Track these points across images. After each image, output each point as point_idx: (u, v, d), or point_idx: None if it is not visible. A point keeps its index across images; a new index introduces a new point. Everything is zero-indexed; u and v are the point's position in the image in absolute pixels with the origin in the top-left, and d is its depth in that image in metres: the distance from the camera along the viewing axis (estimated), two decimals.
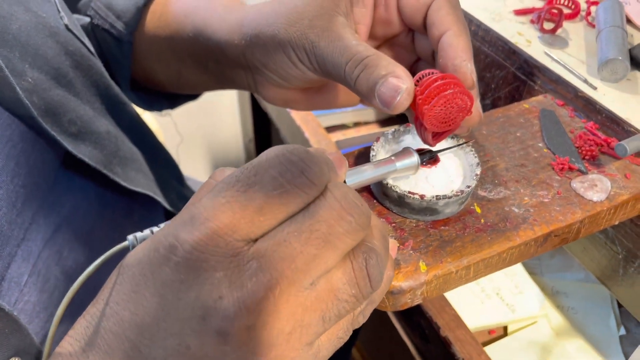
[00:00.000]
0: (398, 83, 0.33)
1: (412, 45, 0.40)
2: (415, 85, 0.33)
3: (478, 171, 0.36)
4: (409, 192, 0.34)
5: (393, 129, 0.38)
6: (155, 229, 0.25)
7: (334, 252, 0.23)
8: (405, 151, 0.34)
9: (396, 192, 0.34)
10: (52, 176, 0.42)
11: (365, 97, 0.35)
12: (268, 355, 0.23)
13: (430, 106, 0.32)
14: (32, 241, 0.39)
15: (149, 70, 0.54)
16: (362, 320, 0.27)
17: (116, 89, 0.49)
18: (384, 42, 0.42)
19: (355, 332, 0.74)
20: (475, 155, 0.37)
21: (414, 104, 0.33)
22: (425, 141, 0.35)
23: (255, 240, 0.23)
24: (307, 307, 0.23)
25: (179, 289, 0.22)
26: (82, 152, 0.42)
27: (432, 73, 0.34)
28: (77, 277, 0.42)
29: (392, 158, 0.34)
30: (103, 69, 0.47)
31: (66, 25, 0.44)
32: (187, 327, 0.22)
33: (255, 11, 0.41)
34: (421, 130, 0.35)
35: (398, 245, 0.34)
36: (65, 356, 0.24)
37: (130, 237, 0.25)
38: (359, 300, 0.25)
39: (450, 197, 0.34)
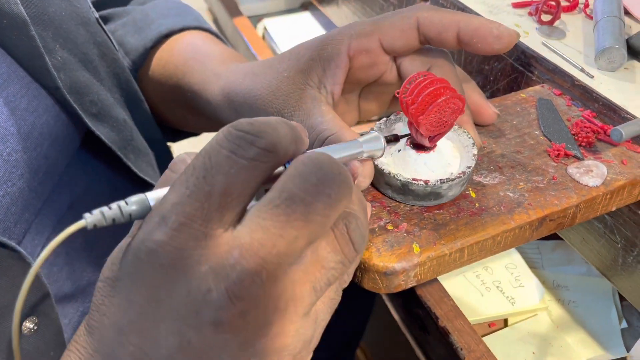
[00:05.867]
0: (357, 165, 0.34)
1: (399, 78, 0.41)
2: (406, 89, 0.34)
3: (475, 151, 0.36)
4: (413, 179, 0.34)
5: (384, 119, 0.38)
6: (114, 205, 0.25)
7: (316, 228, 0.23)
8: (373, 135, 0.34)
9: (400, 180, 0.34)
10: (72, 154, 0.44)
11: None
12: (268, 333, 0.23)
13: (425, 115, 0.33)
14: (46, 217, 0.41)
15: (154, 108, 0.56)
16: (348, 279, 0.28)
17: (135, 85, 0.51)
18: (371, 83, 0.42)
19: (360, 333, 0.74)
20: (469, 135, 0.37)
21: (406, 111, 0.34)
22: (422, 144, 0.36)
23: (236, 224, 0.23)
24: (296, 281, 0.24)
25: (170, 289, 0.23)
26: (101, 131, 0.44)
27: (423, 76, 0.34)
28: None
29: (360, 141, 0.33)
30: (125, 65, 0.49)
31: (97, 19, 0.47)
32: (185, 323, 0.22)
33: (238, 84, 0.43)
34: (417, 135, 0.35)
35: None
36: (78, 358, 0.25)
37: (87, 215, 0.25)
38: (345, 265, 0.25)
39: (453, 180, 0.34)
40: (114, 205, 0.25)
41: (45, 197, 0.40)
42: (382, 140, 0.34)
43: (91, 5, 0.47)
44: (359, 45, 0.38)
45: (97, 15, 0.47)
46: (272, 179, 0.25)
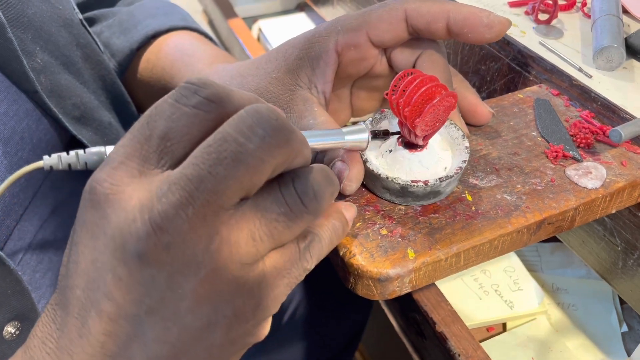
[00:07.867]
0: (342, 168, 0.33)
1: (390, 68, 0.40)
2: (395, 89, 0.33)
3: (467, 143, 0.35)
4: (412, 181, 0.33)
5: (370, 118, 0.37)
6: (72, 152, 0.27)
7: (249, 171, 0.23)
8: (358, 127, 0.33)
9: (399, 183, 0.33)
10: None
11: None
12: (198, 274, 0.23)
13: (421, 118, 0.32)
14: (28, 221, 0.40)
15: (143, 110, 0.55)
16: (309, 259, 0.27)
17: (122, 87, 0.50)
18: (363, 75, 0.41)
19: (359, 334, 0.73)
20: (457, 127, 0.36)
21: (397, 112, 0.33)
22: (416, 143, 0.35)
23: (175, 168, 0.24)
24: (232, 226, 0.23)
25: (104, 224, 0.23)
26: (83, 135, 0.43)
27: (410, 74, 0.33)
28: None
29: (343, 130, 0.33)
30: (111, 67, 0.48)
31: (80, 20, 0.46)
32: (115, 258, 0.23)
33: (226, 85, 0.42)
34: (410, 135, 0.34)
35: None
36: (44, 317, 0.25)
37: (45, 157, 0.27)
38: (290, 219, 0.24)
39: (452, 177, 0.34)
40: (72, 152, 0.26)
41: (27, 203, 0.39)
42: (367, 132, 0.33)
43: (75, 7, 0.46)
44: (346, 40, 0.37)
45: (81, 16, 0.46)
46: None
